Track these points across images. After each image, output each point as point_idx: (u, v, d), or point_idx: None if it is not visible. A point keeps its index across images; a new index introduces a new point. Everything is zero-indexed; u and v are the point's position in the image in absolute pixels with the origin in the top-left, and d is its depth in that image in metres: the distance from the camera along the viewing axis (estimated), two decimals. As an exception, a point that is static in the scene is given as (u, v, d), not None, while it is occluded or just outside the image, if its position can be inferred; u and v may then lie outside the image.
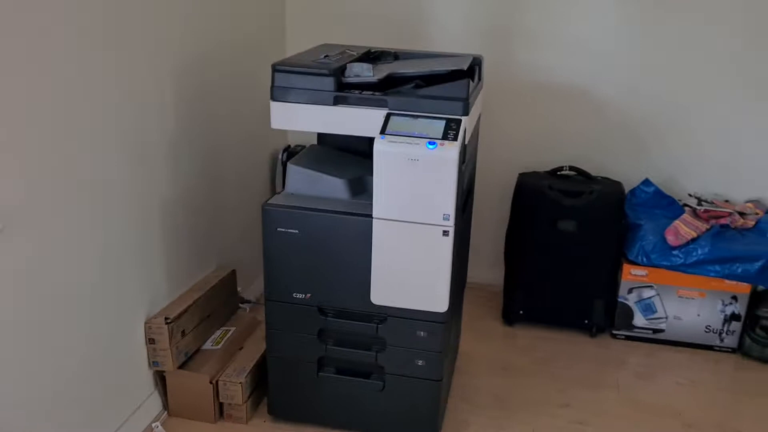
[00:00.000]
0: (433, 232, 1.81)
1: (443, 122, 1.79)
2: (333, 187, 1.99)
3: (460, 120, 1.79)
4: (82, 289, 1.76)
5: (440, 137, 1.75)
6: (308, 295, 1.98)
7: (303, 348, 2.05)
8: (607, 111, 2.88)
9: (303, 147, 3.16)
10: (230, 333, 2.38)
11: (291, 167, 2.02)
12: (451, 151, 1.73)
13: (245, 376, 2.15)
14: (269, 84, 1.87)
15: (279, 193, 2.04)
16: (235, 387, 2.12)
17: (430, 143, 1.74)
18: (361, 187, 2.03)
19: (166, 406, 2.19)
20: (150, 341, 2.06)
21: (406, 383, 2.02)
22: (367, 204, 1.92)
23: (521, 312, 2.90)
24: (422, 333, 1.95)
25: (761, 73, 2.71)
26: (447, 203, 1.78)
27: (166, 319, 2.05)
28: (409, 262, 1.86)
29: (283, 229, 1.91)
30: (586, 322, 2.84)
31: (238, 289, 2.66)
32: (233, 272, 2.52)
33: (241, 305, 2.67)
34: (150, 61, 1.97)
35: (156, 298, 2.11)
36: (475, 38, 2.88)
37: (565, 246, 2.75)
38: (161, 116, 2.07)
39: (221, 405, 2.18)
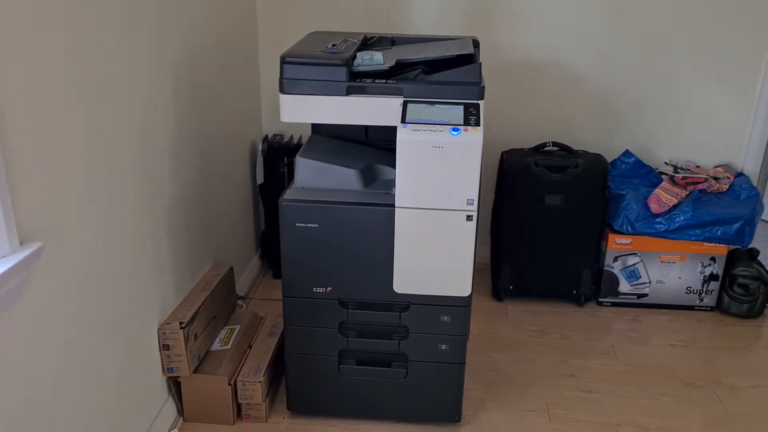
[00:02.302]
0: (456, 218, 1.83)
1: (461, 108, 1.80)
2: (345, 178, 1.97)
3: (479, 104, 1.80)
4: (102, 300, 1.68)
5: (462, 123, 1.75)
6: (328, 288, 1.96)
7: (323, 342, 2.04)
8: (583, 87, 2.96)
9: (281, 136, 3.12)
10: (236, 332, 2.33)
11: (301, 161, 1.98)
12: (475, 136, 1.74)
13: (263, 375, 2.12)
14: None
15: (288, 187, 2.00)
16: (255, 386, 2.09)
17: (453, 130, 1.74)
18: (372, 175, 2.02)
19: (181, 412, 2.13)
20: (164, 347, 2.00)
21: (430, 369, 2.04)
22: (382, 193, 1.92)
23: (511, 287, 2.97)
24: (446, 317, 1.97)
25: (725, 46, 2.84)
26: (471, 188, 1.80)
27: (180, 323, 1.99)
28: (433, 248, 1.87)
29: (302, 224, 1.88)
30: (575, 292, 2.94)
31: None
32: (231, 270, 2.47)
33: (237, 302, 2.62)
34: (150, 55, 1.87)
35: (166, 301, 2.05)
36: (452, 19, 2.89)
37: (552, 220, 2.83)
38: (164, 113, 1.98)
39: (239, 406, 2.14)
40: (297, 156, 2.00)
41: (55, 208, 1.46)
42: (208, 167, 2.41)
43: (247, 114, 2.97)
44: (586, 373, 2.46)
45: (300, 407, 2.16)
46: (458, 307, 1.96)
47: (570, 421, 2.19)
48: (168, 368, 2.03)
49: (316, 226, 1.88)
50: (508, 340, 2.69)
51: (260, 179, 3.09)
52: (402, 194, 1.82)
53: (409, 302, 1.96)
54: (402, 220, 1.84)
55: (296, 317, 2.02)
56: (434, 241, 1.86)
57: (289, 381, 2.12)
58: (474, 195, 1.80)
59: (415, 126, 1.76)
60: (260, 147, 3.03)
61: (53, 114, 1.43)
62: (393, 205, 1.84)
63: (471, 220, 1.83)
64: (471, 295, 1.94)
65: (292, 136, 3.08)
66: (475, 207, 1.81)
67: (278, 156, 2.99)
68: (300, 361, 2.08)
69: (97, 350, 1.67)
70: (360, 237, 1.89)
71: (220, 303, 2.32)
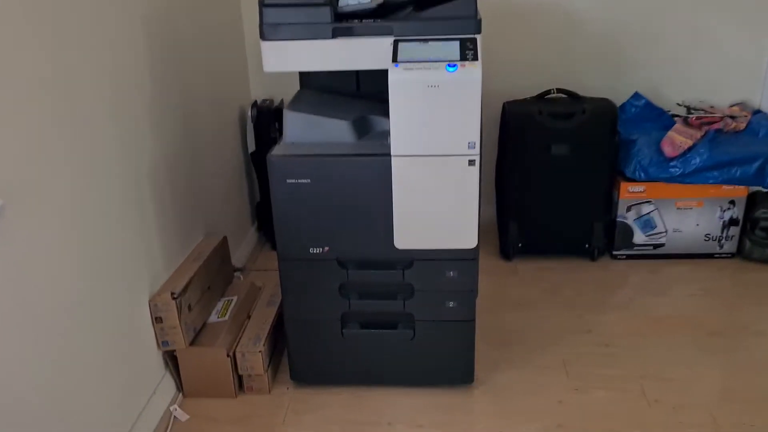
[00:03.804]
0: (458, 164, 1.73)
1: (457, 43, 1.69)
2: (337, 129, 1.87)
3: (475, 39, 1.69)
4: (82, 269, 1.59)
5: (458, 59, 1.65)
6: (326, 248, 1.87)
7: (324, 306, 1.95)
8: (585, 28, 2.83)
9: (270, 101, 3.01)
10: (233, 303, 2.25)
11: (289, 114, 1.88)
12: (473, 72, 1.63)
13: (263, 344, 2.04)
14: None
15: (278, 143, 1.90)
16: (255, 357, 2.01)
17: (449, 66, 1.63)
18: (366, 127, 1.92)
19: (180, 387, 2.06)
20: (157, 320, 1.92)
21: (438, 328, 1.96)
22: (377, 144, 1.82)
23: (520, 245, 2.88)
24: (452, 273, 1.88)
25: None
26: (472, 130, 1.69)
27: (172, 294, 1.91)
28: (434, 199, 1.78)
29: (293, 180, 1.79)
30: (587, 246, 2.85)
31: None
32: (224, 239, 2.38)
33: (235, 273, 2.54)
34: (118, 8, 1.77)
35: (156, 273, 1.96)
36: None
37: (560, 171, 2.73)
38: (138, 74, 1.88)
39: (240, 378, 2.07)
40: (284, 109, 1.90)
41: (19, 165, 1.36)
42: (193, 134, 2.31)
43: (234, 78, 2.86)
44: (604, 328, 2.38)
45: (304, 376, 2.09)
46: (465, 260, 1.86)
47: (589, 377, 2.10)
48: (162, 342, 1.96)
49: (308, 181, 1.79)
50: (519, 299, 2.60)
51: (252, 147, 2.99)
52: (398, 141, 1.72)
53: (412, 258, 1.87)
54: (399, 169, 1.75)
55: (293, 281, 1.93)
56: (435, 191, 1.77)
57: (291, 349, 2.04)
58: (476, 137, 1.70)
59: (408, 65, 1.66)
60: (249, 113, 2.93)
61: (15, 68, 1.33)
62: (389, 155, 1.74)
63: (474, 165, 1.73)
64: (478, 246, 1.85)
65: (282, 100, 2.97)
66: (477, 151, 1.71)
67: (269, 121, 2.89)
68: (300, 328, 2.00)
69: (81, 325, 1.59)
70: (356, 191, 1.80)
71: (214, 273, 2.24)
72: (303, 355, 2.04)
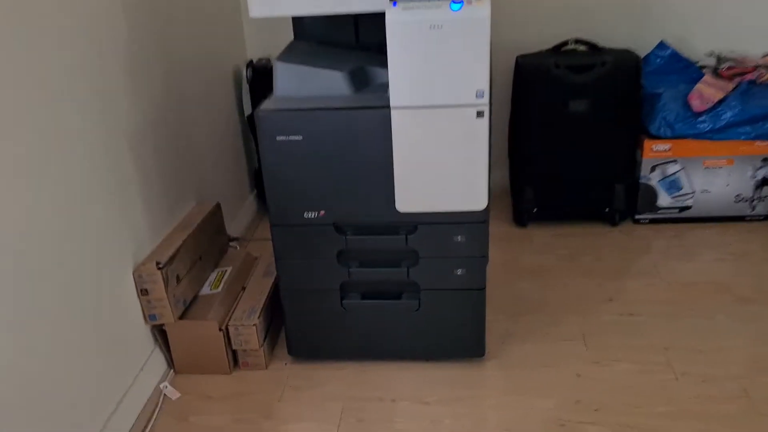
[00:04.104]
0: (464, 115, 1.56)
1: (462, -21, 1.51)
2: (332, 81, 1.70)
3: (482, -26, 1.51)
4: (57, 241, 1.46)
5: (464, -4, 1.47)
6: (321, 212, 1.72)
7: (321, 276, 1.81)
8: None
9: (267, 59, 2.84)
10: (227, 273, 2.12)
11: (279, 65, 1.72)
12: (481, 10, 1.46)
13: (257, 317, 1.91)
14: None
15: (267, 98, 1.74)
16: (249, 330, 1.88)
17: (454, 3, 1.46)
18: (364, 79, 1.75)
19: (171, 363, 1.94)
20: (142, 292, 1.79)
21: (445, 297, 1.81)
22: (376, 96, 1.65)
23: (534, 210, 2.71)
24: (459, 237, 1.73)
25: None
26: (480, 77, 1.52)
27: (157, 263, 1.77)
28: (438, 156, 1.62)
29: (284, 137, 1.63)
30: (607, 210, 2.68)
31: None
32: (218, 206, 2.24)
33: (230, 244, 2.41)
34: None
35: (140, 242, 1.83)
36: None
37: (578, 129, 2.55)
38: (111, 20, 1.72)
39: (234, 353, 1.94)
40: (275, 60, 1.74)
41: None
42: (180, 94, 2.16)
43: (227, 35, 2.70)
44: (626, 296, 2.22)
45: (303, 351, 1.96)
46: (473, 223, 1.71)
47: (610, 349, 1.95)
48: (149, 315, 1.83)
49: (300, 138, 1.64)
50: (534, 267, 2.45)
51: (248, 110, 2.84)
52: (397, 91, 1.56)
53: (415, 222, 1.72)
54: (400, 123, 1.59)
55: (288, 249, 1.79)
56: (440, 147, 1.61)
57: (288, 322, 1.91)
58: (484, 85, 1.53)
59: (407, 4, 1.48)
60: (245, 73, 2.77)
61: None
62: (388, 107, 1.58)
63: (482, 116, 1.56)
64: (488, 208, 1.69)
65: (279, 58, 2.80)
66: (486, 100, 1.55)
67: (265, 82, 2.72)
68: (297, 299, 1.86)
69: (56, 297, 1.46)
70: (352, 148, 1.64)
71: (206, 242, 2.10)
72: (301, 329, 1.91)
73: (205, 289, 2.04)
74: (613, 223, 2.70)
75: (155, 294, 1.80)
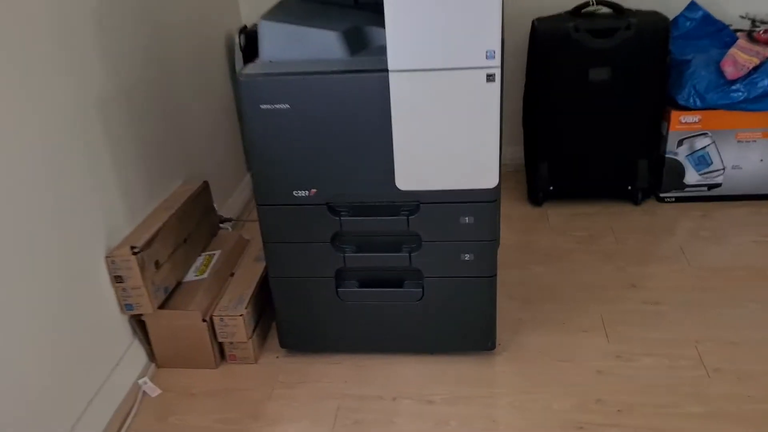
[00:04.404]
0: (473, 79, 1.38)
1: None
2: (324, 43, 1.52)
3: None
4: (16, 224, 1.30)
5: (472, -59, 1.28)
6: (312, 190, 1.55)
7: (314, 261, 1.65)
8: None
9: (262, 26, 2.65)
10: (215, 258, 1.96)
11: (265, 25, 1.54)
12: (492, -45, 1.26)
13: (245, 307, 1.75)
14: None
15: (253, 61, 1.56)
16: (235, 321, 1.73)
17: (460, -51, 1.27)
18: (361, 40, 1.57)
19: (151, 356, 1.79)
20: (116, 279, 1.64)
21: (451, 285, 1.65)
22: (374, 60, 1.47)
23: (551, 188, 2.53)
24: (467, 219, 1.55)
25: None
26: (490, 35, 1.34)
27: (132, 248, 1.61)
28: (443, 126, 1.44)
29: (269, 106, 1.46)
30: (629, 188, 2.49)
31: (214, 205, 2.22)
32: (205, 184, 2.08)
33: (221, 225, 2.24)
34: None
35: (115, 224, 1.67)
36: None
37: (599, 99, 2.35)
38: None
39: (221, 345, 1.79)
40: (260, 20, 1.56)
41: None
42: (165, 58, 1.98)
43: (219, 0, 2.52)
44: (651, 282, 2.04)
45: (295, 344, 1.80)
46: (483, 203, 1.53)
47: (634, 341, 1.78)
48: (125, 305, 1.68)
49: (287, 107, 1.46)
50: (550, 250, 2.27)
51: (242, 80, 2.65)
52: (396, 52, 1.37)
53: (417, 201, 1.55)
54: (399, 89, 1.40)
55: (276, 231, 1.62)
56: (445, 116, 1.42)
57: (279, 312, 1.75)
58: (495, 45, 1.34)
59: (406, -50, 1.29)
60: (237, 40, 2.58)
61: None
62: (386, 70, 1.39)
63: (493, 80, 1.38)
64: (499, 186, 1.51)
65: (275, 25, 2.60)
66: (497, 62, 1.36)
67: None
68: (288, 288, 1.70)
69: (18, 284, 1.30)
70: (346, 118, 1.46)
71: (192, 224, 1.94)
72: (293, 320, 1.75)
73: (190, 275, 1.88)
74: (636, 202, 2.52)
75: (131, 281, 1.64)
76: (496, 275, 1.63)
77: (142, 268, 1.63)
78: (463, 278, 1.63)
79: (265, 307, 1.88)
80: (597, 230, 2.37)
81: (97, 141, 1.60)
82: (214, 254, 1.99)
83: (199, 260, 1.96)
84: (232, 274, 1.92)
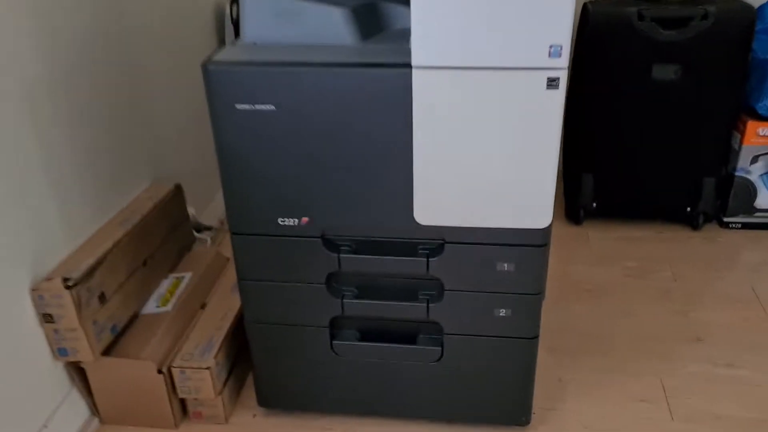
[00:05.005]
0: (528, 84, 1.01)
1: None
2: (327, 22, 1.15)
3: None
4: None
5: None
6: (304, 219, 1.20)
7: (304, 306, 1.30)
8: None
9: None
10: (184, 282, 1.62)
11: (246, -5, 1.17)
12: None
13: (215, 355, 1.40)
14: None
15: (232, 44, 1.20)
16: (200, 375, 1.38)
17: None
18: (376, 21, 1.21)
19: (95, 410, 1.45)
20: (46, 318, 1.29)
21: (479, 346, 1.29)
22: (391, 49, 1.11)
23: (594, 205, 2.17)
24: (506, 265, 1.19)
25: None
26: (557, 24, 0.97)
27: (65, 280, 1.27)
28: (482, 145, 1.08)
29: (248, 106, 1.10)
30: (689, 209, 2.13)
31: (191, 211, 1.87)
32: (178, 188, 1.72)
33: (198, 235, 1.90)
34: None
35: (47, 244, 1.33)
36: None
37: (662, 102, 1.99)
38: None
39: (183, 400, 1.45)
40: (241, -11, 1.19)
41: None
42: (122, 34, 1.61)
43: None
44: (719, 335, 1.69)
45: (277, 401, 1.46)
46: (529, 246, 1.18)
47: (706, 418, 1.43)
48: (59, 349, 1.34)
49: (273, 108, 1.10)
50: (593, 283, 1.92)
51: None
52: (423, 42, 1.01)
53: (441, 240, 1.19)
54: (425, 92, 1.04)
55: (255, 267, 1.27)
56: (485, 132, 1.06)
57: (257, 366, 1.40)
58: (563, 38, 0.98)
59: None
60: (228, 10, 2.21)
61: None
62: (408, 65, 1.03)
63: (556, 87, 1.01)
64: (550, 227, 1.15)
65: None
66: (563, 62, 0.99)
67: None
68: (270, 337, 1.36)
69: None
70: (351, 128, 1.10)
71: (156, 240, 1.59)
72: (274, 376, 1.41)
73: (150, 306, 1.54)
74: (695, 227, 2.16)
75: (64, 322, 1.30)
76: (537, 336, 1.28)
77: (79, 304, 1.29)
78: (495, 338, 1.28)
79: (242, 352, 1.53)
80: (650, 260, 2.01)
81: (23, 138, 1.25)
82: (183, 277, 1.64)
83: (164, 285, 1.61)
84: (203, 306, 1.58)
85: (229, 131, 1.13)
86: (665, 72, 1.94)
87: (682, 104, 1.97)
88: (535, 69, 1.00)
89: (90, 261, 1.34)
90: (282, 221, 1.20)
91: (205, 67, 1.08)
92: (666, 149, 2.05)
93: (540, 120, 1.04)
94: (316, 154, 1.13)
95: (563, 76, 1.00)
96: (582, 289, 1.89)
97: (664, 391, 1.51)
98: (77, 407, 1.43)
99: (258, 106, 1.10)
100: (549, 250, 1.20)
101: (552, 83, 1.01)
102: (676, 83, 1.94)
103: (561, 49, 0.98)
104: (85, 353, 1.33)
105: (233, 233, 1.24)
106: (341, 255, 1.23)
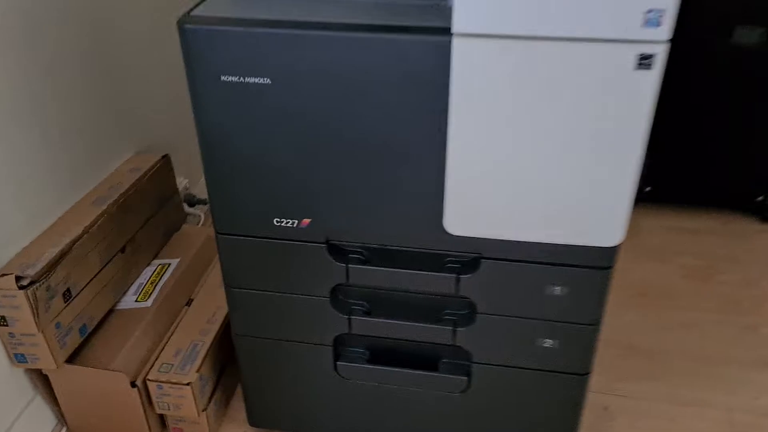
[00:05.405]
0: (611, 62, 0.76)
1: None
2: (341, -30, 0.90)
3: None
4: None
5: None
6: (305, 220, 0.97)
7: (303, 322, 1.09)
8: None
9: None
10: (169, 271, 1.41)
11: (239, -71, 0.91)
12: None
13: (198, 368, 1.20)
14: None
15: (219, -6, 0.95)
16: (181, 392, 1.18)
17: None
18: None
19: (62, 419, 1.27)
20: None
21: (516, 379, 1.07)
22: (428, 9, 0.85)
23: (647, 190, 1.91)
24: (558, 289, 0.96)
25: None
26: (660, -18, 0.71)
27: (18, 279, 1.06)
28: (541, 140, 0.83)
29: (236, 78, 0.86)
30: (761, 198, 1.86)
31: (183, 183, 1.66)
32: (165, 159, 1.50)
33: (190, 210, 1.69)
34: None
35: (4, 233, 1.11)
36: None
37: (741, 72, 1.70)
38: None
39: (162, 416, 1.26)
40: None
41: None
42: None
43: None
44: (799, 359, 1.45)
45: (269, 421, 1.26)
46: (589, 268, 0.94)
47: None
48: (16, 355, 1.14)
49: (268, 82, 0.85)
50: (645, 284, 1.68)
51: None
52: (470, 2, 0.75)
53: (477, 254, 0.96)
54: (468, 67, 0.79)
55: (245, 274, 1.05)
56: (546, 122, 0.81)
57: (247, 384, 1.20)
58: (664, 0, 0.72)
59: None
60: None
61: None
62: (447, 31, 0.77)
63: (649, 66, 0.75)
64: (620, 246, 0.91)
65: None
66: (665, 33, 0.73)
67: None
68: (261, 353, 1.15)
69: None
70: (368, 110, 0.86)
71: (138, 221, 1.38)
72: (267, 393, 1.20)
73: (128, 299, 1.34)
74: (765, 218, 1.89)
75: (19, 326, 1.10)
76: (589, 374, 1.05)
77: (37, 306, 1.08)
78: (536, 371, 1.06)
79: (232, 359, 1.33)
80: (712, 257, 1.77)
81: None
82: (168, 265, 1.43)
83: (147, 273, 1.41)
84: (190, 302, 1.37)
85: (212, 109, 0.89)
86: (749, 36, 1.65)
87: (765, 74, 1.68)
88: (622, 42, 0.75)
89: (52, 252, 1.13)
90: (278, 222, 0.98)
91: (182, 27, 0.84)
92: (740, 126, 1.77)
93: (623, 110, 0.79)
94: (322, 142, 0.89)
95: (661, 54, 0.74)
96: (632, 291, 1.66)
97: (730, 424, 1.29)
98: (43, 414, 1.24)
99: (249, 79, 0.86)
100: (611, 274, 0.96)
101: (644, 62, 0.75)
102: (761, 50, 1.65)
103: (662, 15, 0.72)
104: (46, 361, 1.14)
105: (219, 233, 1.02)
106: (350, 265, 1.00)
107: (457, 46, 0.78)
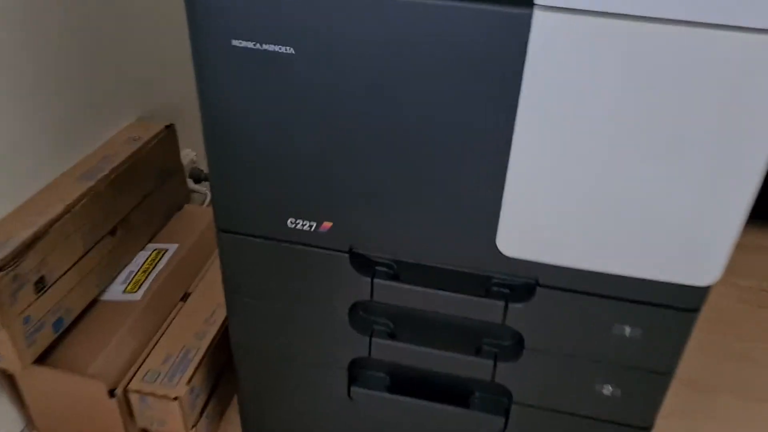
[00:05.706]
0: (739, 56, 0.58)
1: None
2: None
3: None
4: None
5: None
6: (326, 224, 0.80)
7: (314, 339, 0.93)
8: None
9: None
10: (166, 258, 1.25)
11: None
12: None
13: (189, 379, 1.05)
14: None
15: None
16: (167, 407, 1.03)
17: None
18: None
19: (30, 423, 1.12)
20: (-49, 315, 0.94)
21: (563, 426, 0.91)
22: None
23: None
24: (628, 330, 0.79)
25: None
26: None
27: (-23, 268, 0.91)
28: (634, 148, 0.65)
29: (251, 44, 0.69)
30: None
31: (190, 155, 1.50)
32: (170, 129, 1.33)
33: (195, 187, 1.53)
34: None
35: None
36: None
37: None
38: None
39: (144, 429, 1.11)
40: None
41: None
42: None
43: None
44: None
45: (269, 441, 1.11)
46: (671, 309, 0.77)
47: None
48: (-24, 352, 0.99)
49: (291, 51, 0.68)
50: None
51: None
52: (566, -38, 0.57)
53: (533, 281, 0.79)
54: (551, 49, 0.62)
55: (248, 280, 0.89)
56: (643, 127, 0.64)
57: (244, 400, 1.05)
58: (832, -22, 0.53)
59: None
60: None
61: None
62: (528, 2, 0.59)
63: (793, 68, 0.57)
64: (710, 287, 0.74)
65: None
66: (820, 24, 0.55)
67: None
68: (263, 368, 0.99)
69: None
70: (414, 96, 0.68)
71: (133, 199, 1.22)
72: (266, 412, 1.05)
73: (116, 289, 1.18)
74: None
75: (-19, 320, 0.94)
76: (651, 428, 0.89)
77: (0, 297, 0.93)
78: (589, 420, 0.89)
79: (230, 365, 1.18)
80: (764, 272, 1.59)
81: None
82: (165, 250, 1.28)
83: (140, 259, 1.25)
84: (186, 297, 1.21)
85: (219, 80, 0.72)
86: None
87: None
88: (757, 31, 0.57)
89: (24, 235, 0.98)
90: (293, 223, 0.81)
91: (184, -27, 0.67)
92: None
93: (747, 117, 0.61)
94: (354, 129, 0.72)
95: (811, 51, 0.57)
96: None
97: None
98: (10, 416, 1.10)
99: (268, 46, 0.69)
100: (696, 318, 0.79)
101: (785, 61, 0.57)
102: None
103: (821, -1, 0.54)
104: (11, 360, 0.99)
105: (221, 230, 0.85)
106: (376, 279, 0.84)
107: (539, 21, 0.60)
